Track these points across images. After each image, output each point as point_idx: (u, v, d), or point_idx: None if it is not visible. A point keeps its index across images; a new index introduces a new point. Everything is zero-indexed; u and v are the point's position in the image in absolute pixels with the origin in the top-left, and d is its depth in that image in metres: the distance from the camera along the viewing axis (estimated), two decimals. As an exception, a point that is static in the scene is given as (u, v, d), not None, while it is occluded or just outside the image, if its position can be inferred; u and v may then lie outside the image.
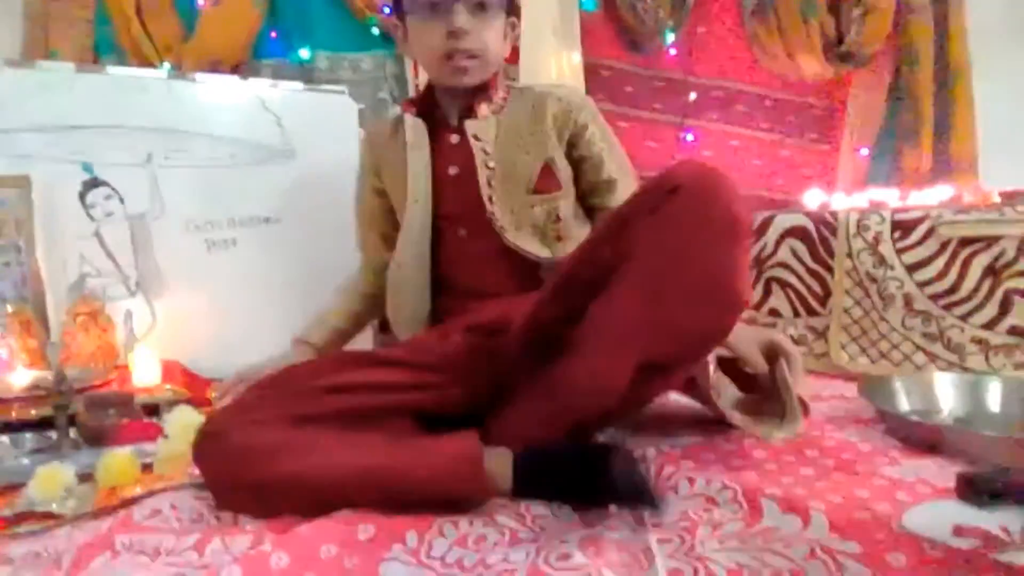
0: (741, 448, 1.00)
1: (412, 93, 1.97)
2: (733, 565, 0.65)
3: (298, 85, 1.82)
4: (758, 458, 0.97)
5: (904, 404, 1.17)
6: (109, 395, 1.12)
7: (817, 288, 1.56)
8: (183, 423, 1.00)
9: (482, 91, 1.09)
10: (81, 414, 1.05)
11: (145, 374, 1.30)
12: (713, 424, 1.06)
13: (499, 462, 0.78)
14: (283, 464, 0.77)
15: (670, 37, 2.04)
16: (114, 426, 1.02)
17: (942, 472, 0.91)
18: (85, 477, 0.89)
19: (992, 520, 0.73)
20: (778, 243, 1.60)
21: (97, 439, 1.00)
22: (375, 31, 2.01)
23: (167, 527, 0.80)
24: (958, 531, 0.70)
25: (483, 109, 1.09)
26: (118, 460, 0.90)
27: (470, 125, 1.08)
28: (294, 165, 1.76)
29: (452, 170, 1.08)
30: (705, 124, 2.13)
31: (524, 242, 1.07)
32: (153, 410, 1.21)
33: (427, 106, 1.12)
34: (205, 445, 0.82)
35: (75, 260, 1.48)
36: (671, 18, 2.01)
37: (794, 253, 1.58)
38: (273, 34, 2.00)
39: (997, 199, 1.48)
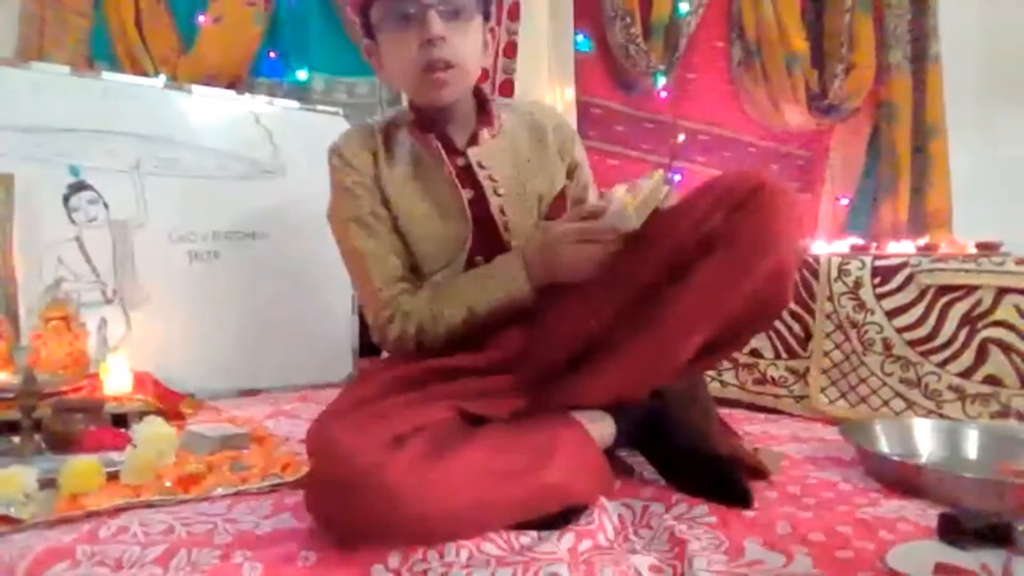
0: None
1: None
2: (723, 593, 0.64)
3: (293, 103, 1.83)
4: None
5: (884, 447, 1.18)
6: (78, 401, 1.08)
7: (798, 330, 1.58)
8: (152, 433, 0.97)
9: (482, 113, 1.05)
10: (48, 419, 1.01)
11: (116, 383, 1.26)
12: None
13: (602, 428, 0.91)
14: (446, 496, 0.70)
15: (661, 80, 2.10)
16: (81, 433, 0.99)
17: (923, 513, 0.91)
18: (47, 483, 0.85)
19: (973, 560, 0.72)
20: (761, 284, 1.62)
21: (62, 445, 0.97)
22: (373, 57, 2.04)
23: (133, 540, 0.76)
24: (939, 569, 0.69)
25: (484, 134, 1.04)
26: (82, 466, 0.86)
27: (473, 153, 1.02)
28: (283, 182, 1.75)
29: (466, 194, 1.01)
30: (692, 167, 2.18)
31: None
32: (122, 421, 1.17)
33: (423, 127, 1.02)
34: (350, 486, 0.67)
35: (52, 263, 1.44)
36: (662, 62, 2.07)
37: (777, 295, 1.60)
38: (271, 54, 2.02)
39: (973, 250, 1.52)
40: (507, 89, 1.90)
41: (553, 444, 0.80)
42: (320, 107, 1.88)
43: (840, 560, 0.76)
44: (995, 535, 0.78)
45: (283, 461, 0.98)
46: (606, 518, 0.79)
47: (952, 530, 0.80)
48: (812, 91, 2.08)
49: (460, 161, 1.02)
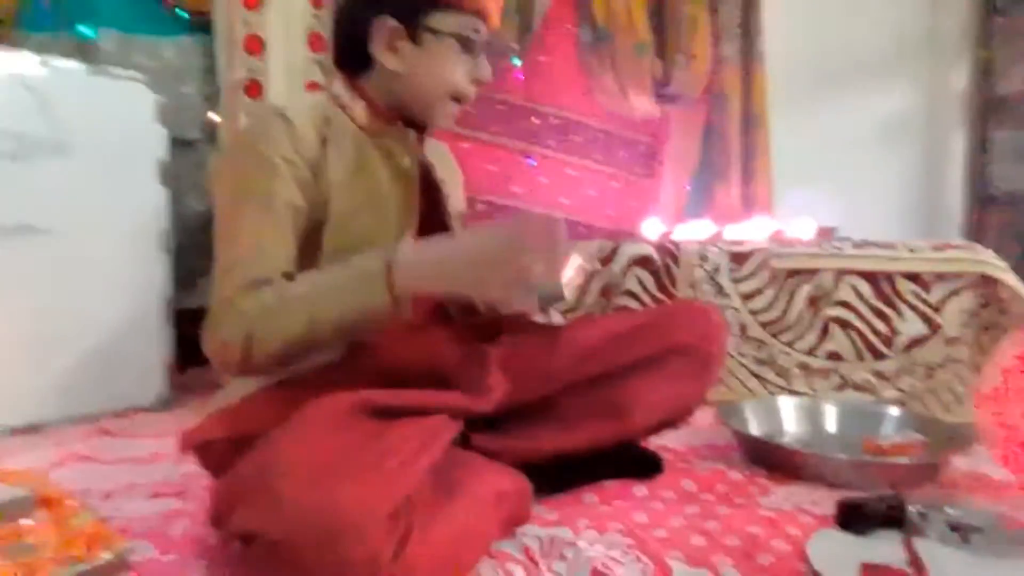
0: (622, 487, 0.96)
1: (225, 90, 1.71)
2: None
3: (75, 65, 1.47)
4: (639, 496, 0.94)
5: (754, 428, 1.21)
6: None
7: (660, 316, 1.59)
8: None
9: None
10: None
11: None
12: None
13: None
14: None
15: (516, 62, 2.03)
16: None
17: (813, 498, 0.93)
18: None
19: (895, 556, 0.73)
20: (625, 272, 1.61)
21: None
22: (183, 14, 1.72)
23: None
24: (867, 569, 0.68)
25: (428, 140, 0.99)
26: None
27: (429, 152, 0.99)
28: (69, 164, 1.40)
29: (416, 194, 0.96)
30: (544, 151, 2.13)
31: None
32: None
33: (385, 121, 0.92)
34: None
35: None
36: (516, 43, 1.99)
37: (640, 282, 1.60)
38: (45, 3, 1.63)
39: (813, 236, 1.62)
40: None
41: (503, 498, 0.79)
42: (114, 70, 1.53)
43: (764, 567, 0.73)
44: (892, 518, 0.80)
45: (86, 534, 0.72)
46: (511, 564, 0.72)
47: (853, 518, 0.81)
48: (656, 79, 2.13)
49: (405, 161, 0.93)
